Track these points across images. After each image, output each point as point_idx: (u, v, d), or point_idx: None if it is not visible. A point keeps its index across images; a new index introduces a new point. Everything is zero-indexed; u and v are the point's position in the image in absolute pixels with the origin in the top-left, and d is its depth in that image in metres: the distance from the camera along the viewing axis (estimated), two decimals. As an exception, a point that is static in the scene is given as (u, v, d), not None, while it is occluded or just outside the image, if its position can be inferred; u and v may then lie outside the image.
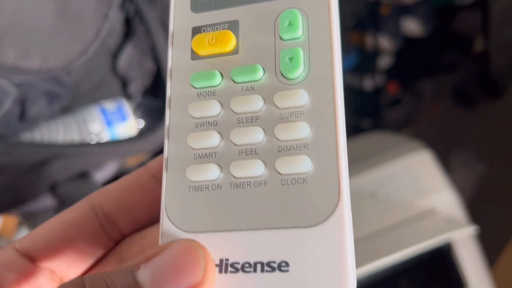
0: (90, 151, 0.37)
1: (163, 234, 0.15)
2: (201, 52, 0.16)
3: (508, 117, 1.03)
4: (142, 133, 0.40)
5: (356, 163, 0.52)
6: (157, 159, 0.18)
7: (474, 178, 0.99)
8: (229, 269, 0.14)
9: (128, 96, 0.42)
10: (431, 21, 0.95)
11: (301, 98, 0.15)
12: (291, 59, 0.15)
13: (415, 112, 1.08)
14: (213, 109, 0.15)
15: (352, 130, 0.97)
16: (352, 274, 0.13)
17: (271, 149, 0.15)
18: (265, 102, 0.15)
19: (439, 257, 0.49)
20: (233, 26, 0.16)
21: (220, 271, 0.14)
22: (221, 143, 0.15)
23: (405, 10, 0.92)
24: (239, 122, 0.15)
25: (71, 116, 0.39)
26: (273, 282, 0.13)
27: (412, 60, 1.13)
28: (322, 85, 0.15)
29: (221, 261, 0.14)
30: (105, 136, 0.39)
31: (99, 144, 0.37)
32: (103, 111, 0.40)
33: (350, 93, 1.02)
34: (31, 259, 0.17)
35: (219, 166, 0.15)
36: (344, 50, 0.72)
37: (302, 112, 0.15)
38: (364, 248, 0.47)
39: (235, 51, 0.16)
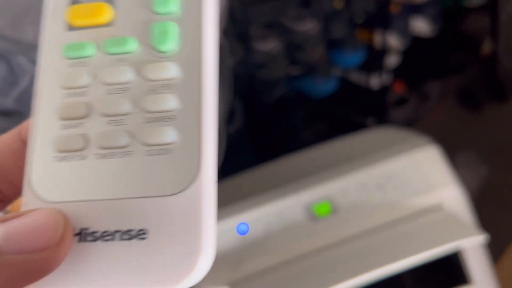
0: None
1: (24, 204, 0.15)
2: (76, 23, 0.16)
3: (514, 119, 1.03)
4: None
5: (363, 157, 0.53)
6: (27, 122, 0.17)
7: (478, 179, 0.99)
8: (88, 237, 0.14)
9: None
10: (440, 21, 0.95)
11: (170, 71, 0.15)
12: (162, 33, 0.15)
13: (421, 112, 1.08)
14: (83, 79, 0.16)
15: (357, 128, 0.97)
16: (206, 244, 0.14)
17: (138, 120, 0.15)
18: (136, 74, 0.16)
19: (446, 258, 0.49)
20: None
21: (80, 240, 0.14)
22: (88, 114, 0.15)
23: (415, 9, 0.92)
24: (108, 93, 0.15)
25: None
26: (130, 249, 0.14)
27: (420, 60, 1.13)
28: (191, 59, 0.15)
29: (81, 230, 0.14)
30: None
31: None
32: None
33: (356, 91, 1.02)
34: None
35: (85, 136, 0.15)
36: (352, 47, 0.72)
37: (171, 85, 0.15)
38: (369, 242, 0.47)
39: (111, 24, 0.16)
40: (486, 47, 1.12)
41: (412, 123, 1.04)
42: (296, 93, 0.96)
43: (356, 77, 1.02)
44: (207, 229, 0.14)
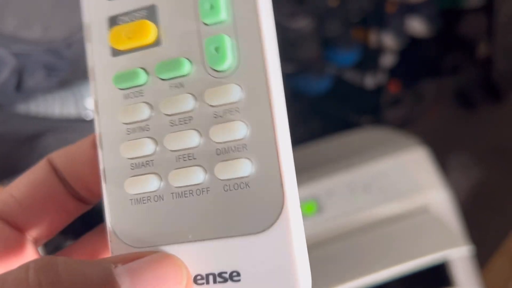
0: (85, 127, 0.37)
1: (113, 251, 0.15)
2: (121, 46, 0.15)
3: (508, 122, 1.03)
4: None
5: (351, 157, 0.52)
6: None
7: (471, 181, 0.99)
8: None
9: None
10: (436, 22, 0.94)
11: (233, 94, 0.14)
12: (217, 49, 0.14)
13: (415, 112, 1.08)
14: (142, 112, 0.14)
15: (351, 127, 0.97)
16: (303, 278, 0.13)
17: (209, 153, 0.14)
18: (196, 99, 0.14)
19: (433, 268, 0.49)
20: (151, 13, 0.15)
21: None
22: (157, 150, 0.15)
23: (411, 9, 0.91)
24: (172, 124, 0.14)
25: (68, 91, 0.39)
26: None
27: (415, 61, 1.13)
28: (254, 76, 0.14)
29: None
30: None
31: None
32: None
33: (351, 90, 1.02)
34: (9, 223, 0.17)
35: (158, 175, 0.14)
36: (346, 46, 0.72)
37: (236, 109, 0.14)
38: (354, 243, 0.47)
39: (157, 42, 0.15)
40: (482, 48, 1.11)
41: (407, 124, 1.04)
42: (290, 91, 0.96)
43: (351, 76, 1.02)
44: (303, 264, 0.13)
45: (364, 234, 0.47)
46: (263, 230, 0.13)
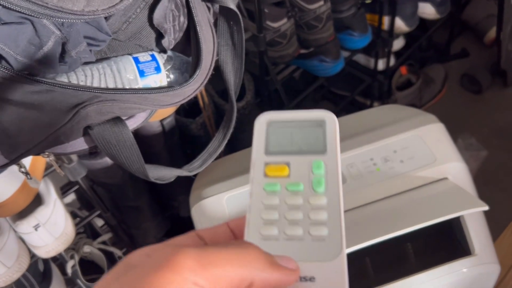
0: (124, 97, 0.38)
1: None
2: (270, 174, 0.27)
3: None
4: (171, 87, 0.42)
5: (370, 132, 0.54)
6: (235, 220, 0.27)
7: (479, 162, 1.00)
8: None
9: (160, 49, 0.44)
10: (447, 6, 0.95)
11: (322, 201, 0.25)
12: (317, 182, 0.26)
13: (425, 95, 1.09)
14: (275, 201, 0.26)
15: (362, 109, 0.98)
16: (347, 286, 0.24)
17: (307, 222, 0.25)
18: (303, 201, 0.26)
19: (449, 227, 0.51)
20: (287, 163, 0.27)
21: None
22: (279, 218, 0.25)
23: (423, -7, 0.92)
24: (290, 209, 0.26)
25: (106, 64, 0.40)
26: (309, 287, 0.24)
27: (425, 45, 1.14)
28: (332, 193, 0.25)
29: None
30: (138, 86, 0.40)
31: (133, 89, 0.39)
32: (137, 62, 0.41)
33: (362, 72, 1.03)
34: None
35: (278, 228, 0.25)
36: (360, 29, 0.73)
37: (323, 207, 0.25)
38: (376, 213, 0.48)
39: (288, 176, 0.27)
40: (491, 33, 1.12)
41: (416, 106, 1.06)
42: (304, 72, 0.97)
43: (363, 59, 1.03)
44: (347, 282, 0.23)
45: (388, 202, 0.49)
46: (330, 260, 0.24)
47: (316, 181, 0.26)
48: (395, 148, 0.51)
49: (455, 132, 0.63)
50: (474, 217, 0.49)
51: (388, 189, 0.49)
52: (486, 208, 0.44)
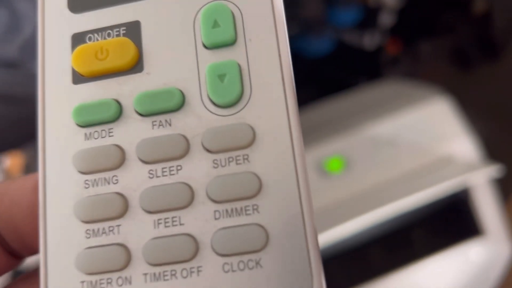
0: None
1: None
2: (87, 71, 0.11)
3: (506, 78, 1.04)
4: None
5: (373, 110, 0.51)
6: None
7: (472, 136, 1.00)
8: None
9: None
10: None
11: (243, 136, 0.10)
12: (222, 77, 0.10)
13: (414, 72, 1.07)
14: (111, 159, 0.10)
15: (350, 89, 0.96)
16: None
17: (203, 217, 0.10)
18: (189, 144, 0.10)
19: (455, 205, 0.49)
20: (133, 30, 0.11)
21: None
22: (127, 212, 0.10)
23: (410, -35, 0.90)
24: (151, 176, 0.10)
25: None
26: None
27: (413, 20, 1.12)
28: (271, 113, 0.11)
29: None
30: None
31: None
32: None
33: (349, 50, 1.00)
34: None
35: (126, 248, 0.10)
36: (347, 4, 0.70)
37: (246, 157, 0.10)
38: (381, 193, 0.46)
39: (138, 68, 0.11)
40: (479, 6, 1.11)
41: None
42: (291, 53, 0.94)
43: (350, 37, 1.00)
44: None
45: (390, 186, 0.47)
46: None
47: (218, 74, 0.11)
48: (400, 127, 0.48)
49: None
50: (483, 190, 0.47)
51: (393, 171, 0.46)
52: (493, 170, 0.43)
